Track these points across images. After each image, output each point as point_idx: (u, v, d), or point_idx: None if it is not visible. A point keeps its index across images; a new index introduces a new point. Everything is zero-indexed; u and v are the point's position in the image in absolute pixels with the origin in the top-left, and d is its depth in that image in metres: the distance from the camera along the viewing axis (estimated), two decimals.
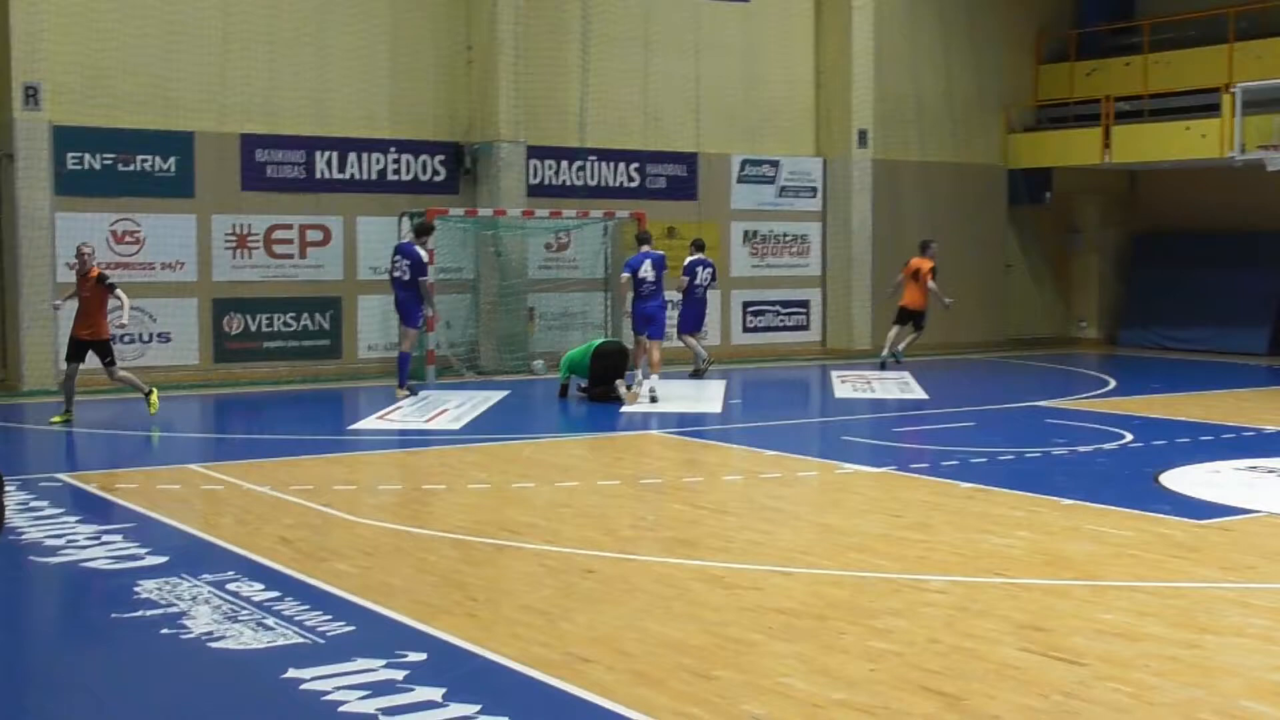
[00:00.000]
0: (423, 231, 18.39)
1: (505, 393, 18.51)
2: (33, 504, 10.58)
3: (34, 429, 15.59)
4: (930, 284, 21.74)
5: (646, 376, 17.47)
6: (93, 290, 15.37)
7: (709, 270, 20.62)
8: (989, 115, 27.23)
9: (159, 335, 19.45)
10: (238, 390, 19.01)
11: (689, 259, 20.58)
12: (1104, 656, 6.77)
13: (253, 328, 20.19)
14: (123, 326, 16.49)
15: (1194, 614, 7.57)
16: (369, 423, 15.94)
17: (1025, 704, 6.10)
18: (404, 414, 16.39)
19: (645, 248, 18.47)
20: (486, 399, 17.66)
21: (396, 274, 17.79)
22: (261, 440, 15.07)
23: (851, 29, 24.85)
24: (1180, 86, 25.07)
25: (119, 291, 15.58)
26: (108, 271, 16.25)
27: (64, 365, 15.97)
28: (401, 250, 17.92)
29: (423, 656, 6.73)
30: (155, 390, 16.02)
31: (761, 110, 24.70)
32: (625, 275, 18.14)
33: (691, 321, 20.79)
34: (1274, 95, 22.62)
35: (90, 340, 15.46)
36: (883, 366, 21.84)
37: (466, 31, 21.70)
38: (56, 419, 15.36)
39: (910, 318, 22.10)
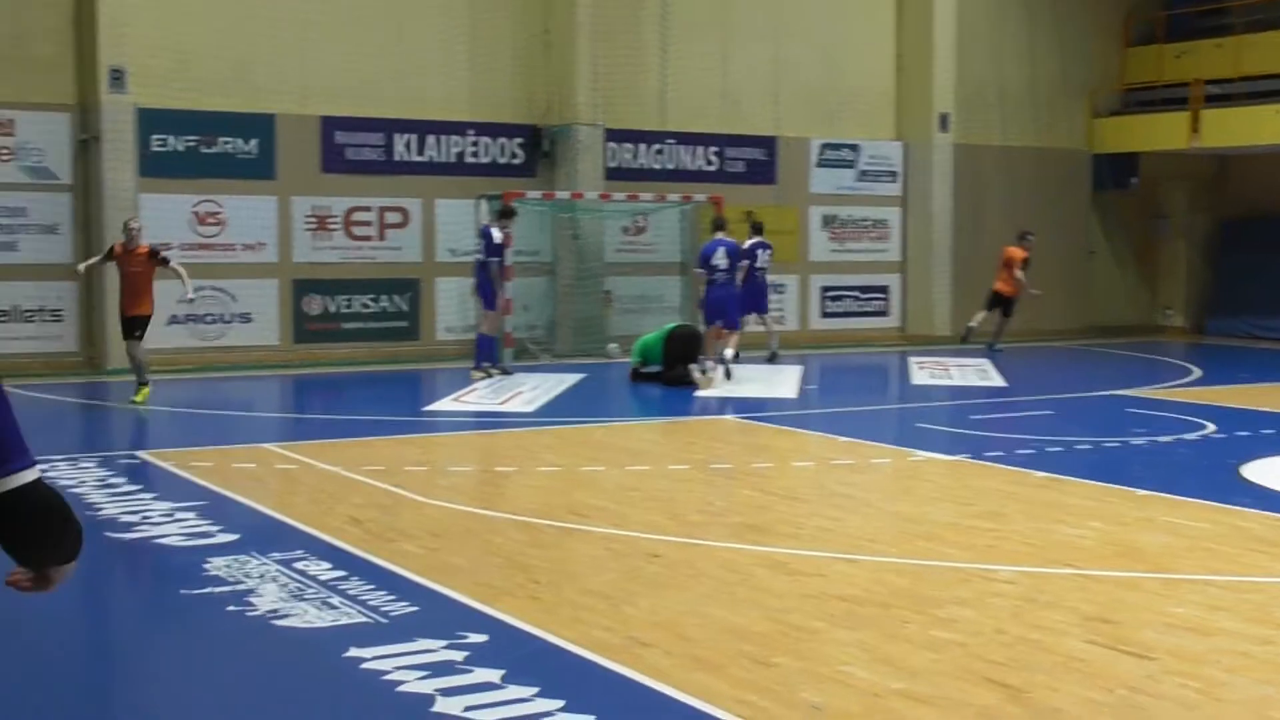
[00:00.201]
0: (503, 215, 18.48)
1: (580, 376, 18.54)
2: (110, 480, 10.74)
3: (117, 407, 15.82)
4: (1018, 274, 21.94)
5: (722, 362, 17.41)
6: (144, 266, 15.19)
7: (768, 253, 20.38)
8: (1073, 99, 26.84)
9: (240, 316, 19.67)
10: (316, 371, 19.20)
11: (748, 242, 19.83)
12: (1173, 651, 6.64)
13: (332, 309, 20.36)
14: (190, 301, 16.49)
15: (1270, 609, 7.42)
16: (444, 404, 16.03)
17: (1089, 697, 6.00)
18: (479, 396, 16.46)
19: (720, 234, 18.37)
20: (561, 382, 17.69)
21: (477, 256, 18.04)
22: (337, 421, 15.20)
23: (934, 11, 24.59)
24: (1272, 69, 24.55)
25: (175, 264, 15.49)
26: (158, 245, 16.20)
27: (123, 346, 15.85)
28: (481, 232, 18.18)
29: (484, 638, 6.74)
30: (149, 388, 15.48)
31: (841, 94, 24.51)
32: (699, 270, 18.02)
33: (750, 306, 19.84)
34: None
35: (138, 315, 15.36)
36: (963, 340, 22.33)
37: (545, 15, 21.73)
38: (137, 397, 15.29)
39: (1000, 304, 22.37)
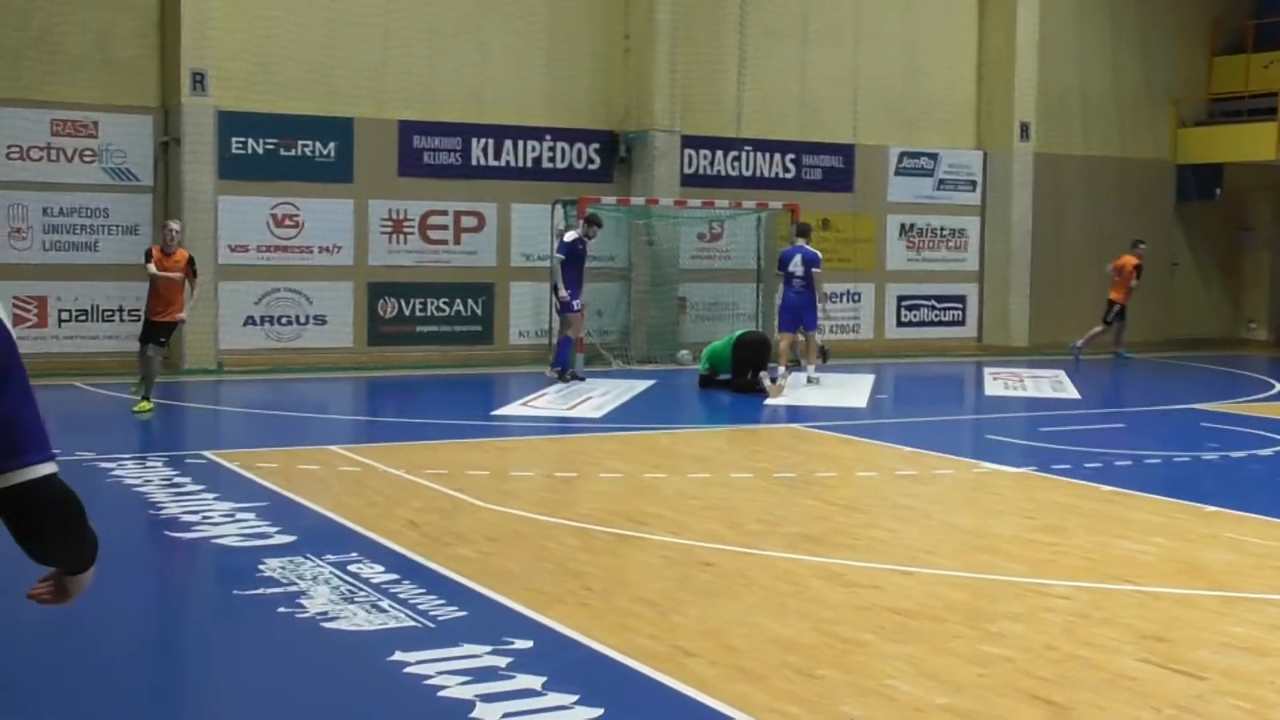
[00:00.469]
0: (589, 222, 18.47)
1: (651, 382, 18.54)
2: (176, 480, 10.88)
3: (192, 406, 16.06)
4: (1132, 283, 22.76)
5: (802, 369, 17.79)
6: (183, 271, 14.79)
7: (804, 259, 18.19)
8: (1157, 108, 26.48)
9: (315, 318, 19.87)
10: (389, 374, 19.34)
11: (785, 248, 18.96)
12: (1227, 671, 6.52)
13: (406, 312, 20.51)
14: (182, 320, 15.22)
15: None
16: (512, 409, 16.09)
17: (1136, 716, 5.90)
18: (548, 401, 16.52)
19: (800, 240, 18.34)
20: (631, 388, 17.70)
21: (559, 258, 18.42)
22: (404, 424, 15.31)
23: (1016, 20, 24.35)
24: None
25: (197, 280, 15.15)
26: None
27: (145, 350, 14.85)
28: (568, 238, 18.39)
29: (529, 644, 6.75)
30: (150, 402, 14.73)
31: (921, 102, 24.35)
32: (778, 273, 18.38)
33: (786, 319, 18.49)
34: None
35: (168, 322, 14.84)
36: (1076, 358, 22.57)
37: (624, 21, 21.77)
38: (141, 409, 14.52)
39: (1117, 312, 22.97)
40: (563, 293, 18.06)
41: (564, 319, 18.39)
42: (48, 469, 2.92)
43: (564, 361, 18.24)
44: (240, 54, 19.27)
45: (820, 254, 18.60)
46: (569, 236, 18.27)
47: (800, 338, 18.49)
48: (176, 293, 14.79)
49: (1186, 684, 6.35)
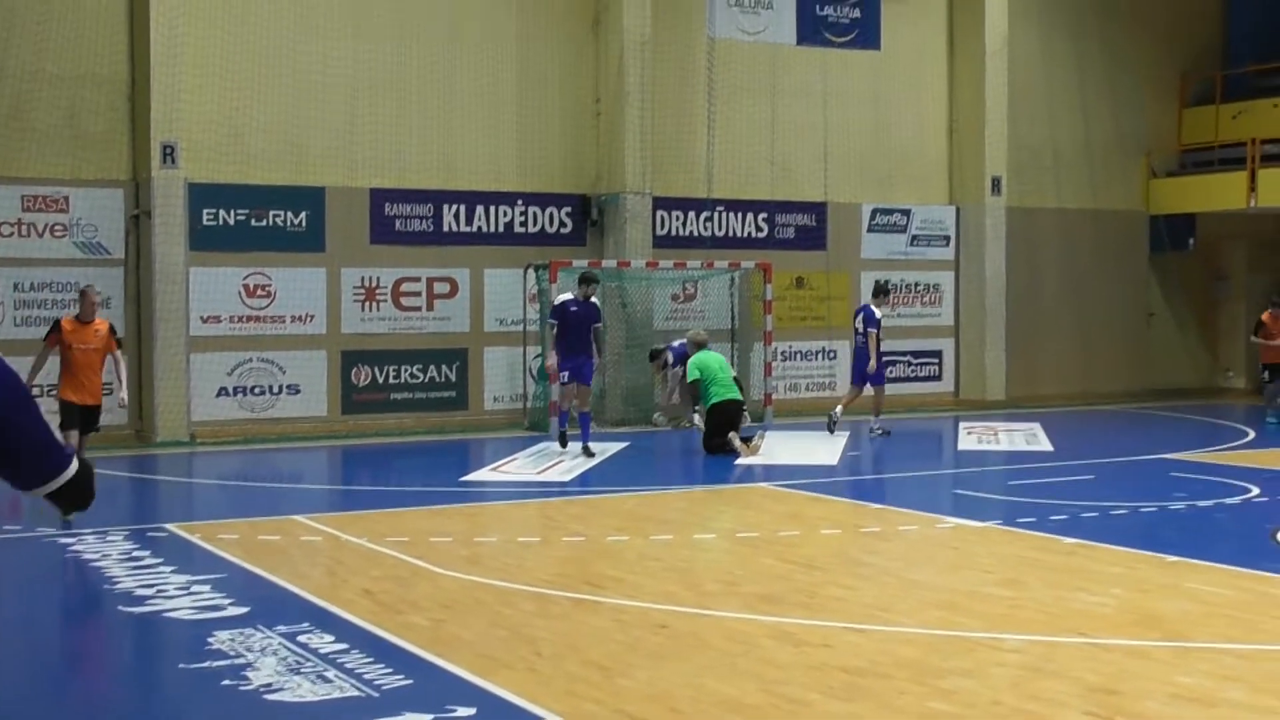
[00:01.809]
0: (581, 281, 17.69)
1: (624, 444, 18.51)
2: (135, 553, 10.82)
3: (161, 479, 16.00)
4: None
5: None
6: (104, 344, 12.92)
7: (864, 318, 19.72)
8: (1129, 160, 26.64)
9: (288, 387, 19.84)
10: (363, 442, 19.30)
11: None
12: None
13: (380, 379, 20.49)
14: (123, 403, 13.75)
15: None
16: (483, 474, 16.07)
17: None
18: (518, 465, 16.50)
19: (874, 300, 19.82)
20: (604, 451, 17.65)
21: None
22: (371, 492, 15.28)
23: (985, 75, 24.51)
24: None
25: (120, 353, 13.36)
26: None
27: (68, 437, 12.65)
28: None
29: (472, 711, 6.71)
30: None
31: (892, 158, 24.48)
32: (873, 330, 19.44)
33: (853, 371, 20.51)
34: None
35: (93, 406, 12.90)
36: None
37: (594, 84, 21.91)
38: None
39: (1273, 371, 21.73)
40: (548, 360, 17.43)
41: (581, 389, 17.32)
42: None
43: (584, 435, 17.21)
44: (210, 125, 19.35)
45: (880, 317, 19.72)
46: (558, 300, 17.67)
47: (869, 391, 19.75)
48: (96, 369, 12.84)
49: None
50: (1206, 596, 9.16)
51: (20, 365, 15.80)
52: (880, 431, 19.55)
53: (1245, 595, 9.19)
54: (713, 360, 17.71)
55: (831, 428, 19.50)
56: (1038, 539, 11.32)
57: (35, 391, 16.53)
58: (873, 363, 19.35)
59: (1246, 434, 19.71)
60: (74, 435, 12.65)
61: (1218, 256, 27.49)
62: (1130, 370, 26.31)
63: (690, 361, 17.88)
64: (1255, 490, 13.84)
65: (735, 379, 18.02)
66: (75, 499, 4.06)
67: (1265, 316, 21.57)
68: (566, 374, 16.96)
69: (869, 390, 19.75)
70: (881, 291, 20.39)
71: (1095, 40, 26.15)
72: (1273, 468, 15.69)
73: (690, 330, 19.37)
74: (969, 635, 8.21)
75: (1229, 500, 13.31)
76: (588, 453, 16.83)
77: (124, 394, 13.38)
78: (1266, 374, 21.59)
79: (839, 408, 19.61)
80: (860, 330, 19.66)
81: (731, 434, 17.05)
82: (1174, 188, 26.66)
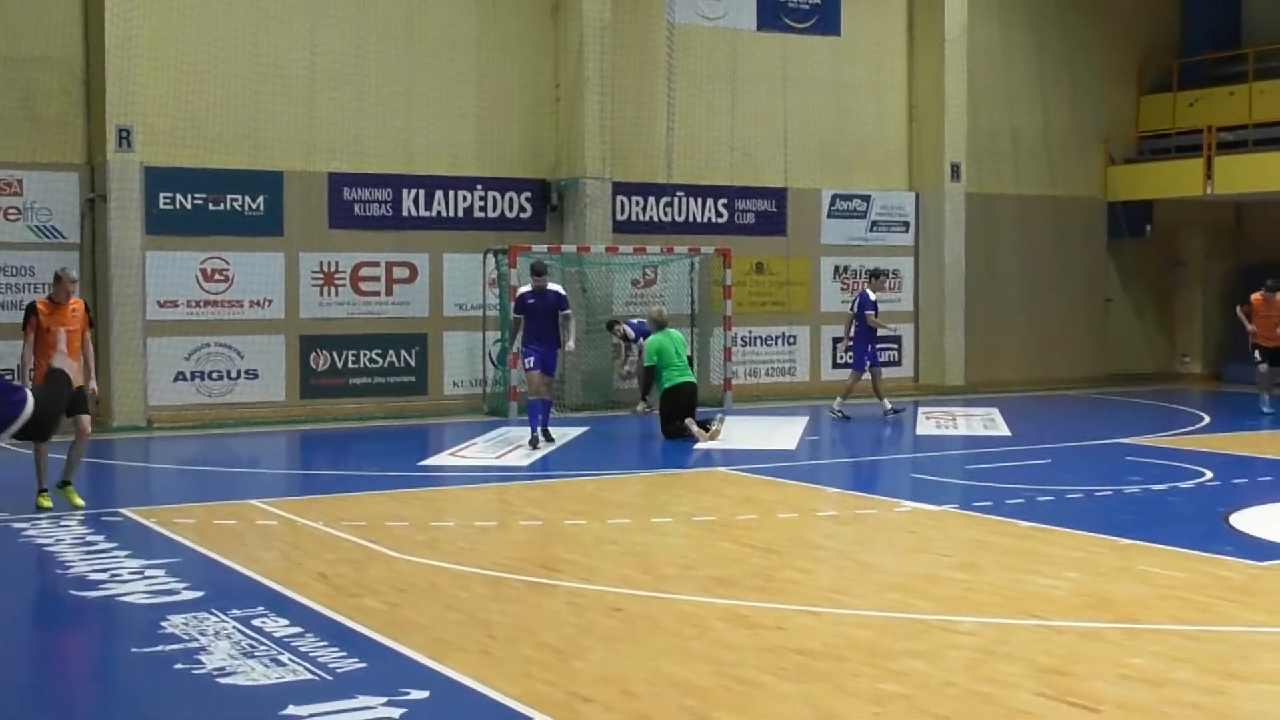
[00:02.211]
0: (531, 273, 17.24)
1: (583, 429, 18.49)
2: (89, 538, 10.76)
3: (118, 464, 15.90)
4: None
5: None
6: (81, 324, 12.52)
7: (859, 301, 20.45)
8: (1088, 147, 26.77)
9: (246, 372, 19.74)
10: (321, 426, 19.21)
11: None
12: (1122, 702, 6.54)
13: (339, 364, 20.41)
14: (94, 394, 13.02)
15: (1228, 659, 7.29)
16: (441, 459, 16.04)
17: None
18: (477, 450, 16.47)
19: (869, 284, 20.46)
20: (563, 435, 17.63)
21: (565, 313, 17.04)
22: (328, 476, 15.21)
23: (944, 62, 24.58)
24: None
25: (90, 335, 12.85)
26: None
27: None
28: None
29: (425, 694, 6.70)
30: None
31: (852, 144, 24.52)
32: (870, 312, 20.08)
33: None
34: None
35: (80, 390, 12.20)
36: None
37: (554, 69, 21.85)
38: (47, 502, 12.07)
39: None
40: (512, 350, 17.24)
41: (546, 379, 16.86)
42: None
43: (545, 419, 16.76)
44: (166, 109, 19.20)
45: (876, 300, 20.31)
46: (519, 292, 17.27)
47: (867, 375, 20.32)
48: (75, 351, 12.43)
49: (1082, 716, 6.37)
50: (1159, 579, 9.23)
51: None
52: (839, 414, 19.79)
53: (1197, 578, 9.26)
54: (669, 343, 17.65)
55: (839, 415, 19.87)
56: (994, 523, 11.39)
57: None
58: (845, 341, 20.57)
59: (1201, 419, 19.87)
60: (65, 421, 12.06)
61: (1175, 243, 27.67)
62: (1088, 356, 26.47)
63: (648, 343, 17.86)
64: (1209, 474, 13.95)
65: (689, 358, 18.02)
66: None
67: (1256, 298, 20.61)
68: (530, 361, 16.49)
69: (868, 375, 20.45)
70: (874, 276, 21.01)
71: (1054, 28, 26.26)
72: (1226, 452, 15.82)
73: (652, 308, 19.19)
74: (923, 618, 8.24)
75: (1183, 484, 13.41)
76: (547, 438, 16.63)
77: (93, 384, 12.77)
78: (1258, 354, 20.46)
79: (887, 401, 20.10)
80: (856, 314, 20.21)
81: (688, 420, 17.04)
82: (1132, 175, 26.81)
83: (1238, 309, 20.88)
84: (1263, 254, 26.85)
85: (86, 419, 12.38)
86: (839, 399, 20.11)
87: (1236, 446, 16.38)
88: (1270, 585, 9.09)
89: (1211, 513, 11.80)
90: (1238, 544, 10.40)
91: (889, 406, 20.02)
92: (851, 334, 20.39)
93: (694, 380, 17.64)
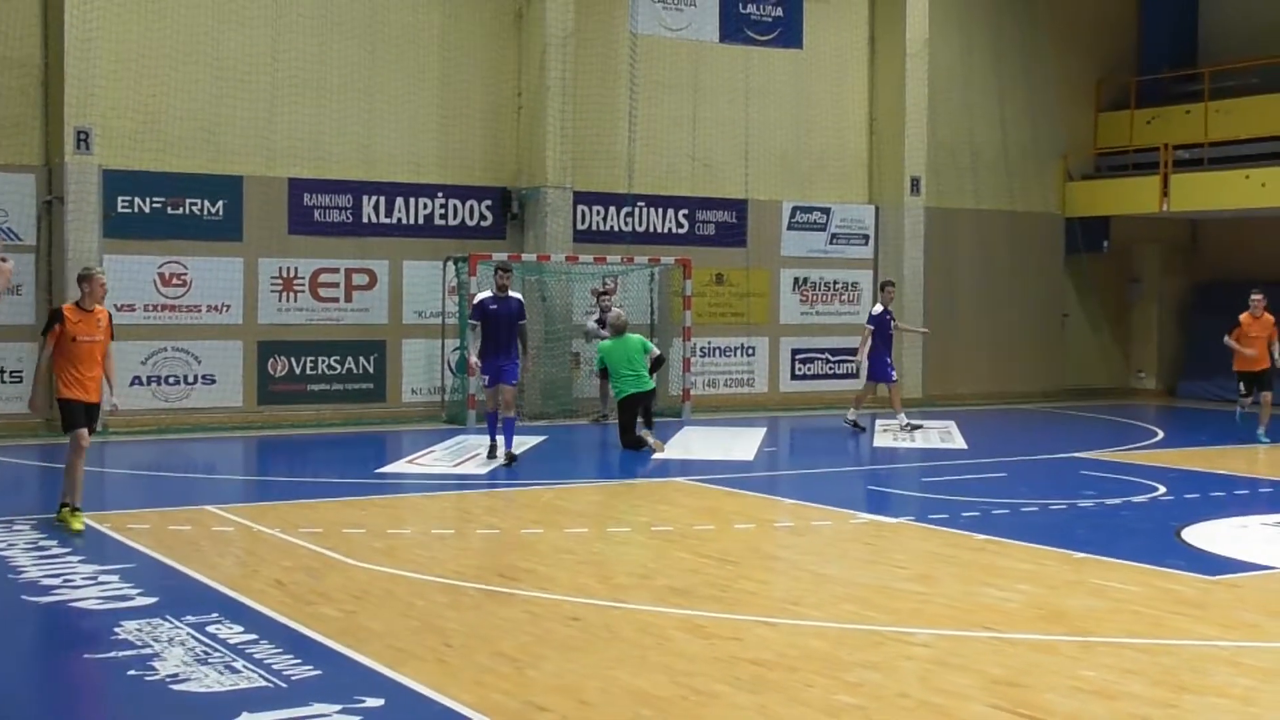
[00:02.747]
0: (494, 271, 16.62)
1: (542, 438, 18.48)
2: (42, 543, 10.68)
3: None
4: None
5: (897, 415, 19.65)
6: (106, 334, 11.62)
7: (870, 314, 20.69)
8: (1046, 163, 26.97)
9: (204, 377, 19.62)
10: (279, 433, 19.13)
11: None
12: (1074, 714, 6.59)
13: (297, 370, 20.32)
14: (115, 408, 12.50)
15: (1179, 673, 7.36)
16: (398, 466, 16.00)
17: None
18: (434, 458, 16.43)
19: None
20: (521, 444, 17.56)
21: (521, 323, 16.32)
22: (285, 483, 15.16)
23: (906, 76, 24.72)
24: (1241, 135, 24.75)
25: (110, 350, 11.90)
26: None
27: (78, 438, 11.52)
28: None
29: (380, 703, 6.69)
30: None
31: (813, 157, 24.62)
32: (870, 327, 19.99)
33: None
34: None
35: (96, 404, 11.70)
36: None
37: (516, 78, 21.85)
38: (75, 522, 11.26)
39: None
40: (471, 358, 16.28)
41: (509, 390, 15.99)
42: None
43: (508, 440, 15.86)
44: (125, 111, 19.09)
45: (876, 312, 20.31)
46: (477, 298, 16.36)
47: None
48: (98, 362, 11.57)
49: None
50: (1112, 592, 9.30)
51: None
52: (854, 424, 19.97)
53: (1149, 591, 9.35)
54: (619, 351, 17.60)
55: (855, 426, 19.98)
56: (949, 535, 11.45)
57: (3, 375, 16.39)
58: (860, 356, 20.43)
59: (1155, 434, 20.04)
60: (85, 434, 11.45)
61: (1131, 259, 27.91)
62: (1044, 370, 26.64)
63: (598, 349, 17.92)
64: (1162, 489, 14.07)
65: (658, 357, 17.97)
66: None
67: (1245, 318, 18.95)
68: (487, 378, 15.75)
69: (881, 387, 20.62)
70: (883, 287, 20.98)
71: (1014, 44, 26.44)
72: (1179, 467, 15.96)
73: (610, 312, 19.12)
74: (878, 629, 8.29)
75: (1136, 498, 13.52)
76: (510, 459, 15.59)
77: (115, 398, 12.13)
78: (1242, 386, 18.89)
79: (902, 416, 19.93)
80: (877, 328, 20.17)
81: (644, 431, 17.06)
82: (1089, 191, 27.03)
83: (1227, 338, 18.83)
84: (1217, 271, 27.15)
85: (84, 434, 11.55)
86: (852, 409, 20.20)
87: (1189, 462, 16.53)
88: (1221, 599, 9.17)
89: (1164, 527, 11.90)
90: (1190, 558, 10.50)
91: (905, 420, 19.86)
92: (868, 348, 20.18)
93: (648, 388, 17.55)
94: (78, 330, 11.34)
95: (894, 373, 20.28)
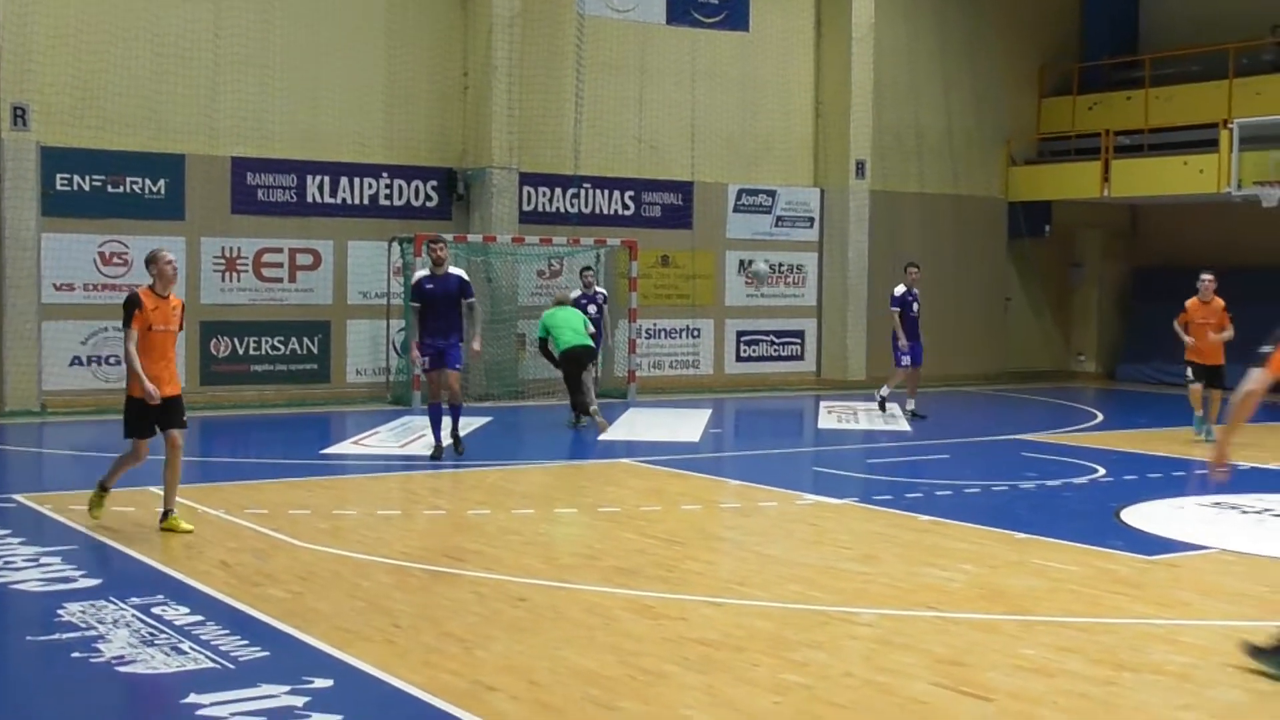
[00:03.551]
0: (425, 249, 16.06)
1: (487, 419, 18.47)
2: None
3: (9, 449, 15.63)
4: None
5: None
6: (179, 323, 10.76)
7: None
8: (990, 148, 27.17)
9: None
10: (222, 414, 19.00)
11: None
12: (1014, 692, 6.68)
13: (240, 351, 20.20)
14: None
15: (1117, 650, 7.47)
16: (343, 447, 15.95)
17: None
18: (380, 439, 16.39)
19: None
20: (467, 425, 17.52)
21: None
22: (229, 464, 15.06)
23: (851, 60, 24.82)
24: (1180, 121, 25.02)
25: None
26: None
27: (138, 448, 10.74)
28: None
29: (329, 683, 6.68)
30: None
31: (759, 140, 24.69)
32: (895, 309, 19.45)
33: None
34: (1271, 132, 22.53)
35: (176, 396, 10.64)
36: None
37: (462, 58, 21.77)
38: (185, 525, 10.43)
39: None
40: (412, 349, 15.02)
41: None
42: None
43: (454, 428, 14.76)
44: (64, 87, 18.88)
45: (899, 293, 19.66)
46: (415, 276, 15.35)
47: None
48: (173, 353, 10.78)
49: (974, 706, 6.50)
50: (1052, 572, 9.42)
51: None
52: (913, 413, 19.25)
53: (1088, 571, 9.47)
54: (563, 315, 17.72)
55: (882, 406, 19.68)
56: (893, 516, 11.56)
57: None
58: (902, 341, 19.42)
59: (1095, 416, 20.27)
60: (145, 446, 10.61)
61: (1073, 244, 28.20)
62: (987, 353, 26.88)
63: (543, 318, 17.96)
64: (1101, 471, 14.24)
65: (592, 335, 18.04)
66: None
67: (1192, 303, 17.33)
68: (427, 360, 14.57)
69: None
70: (905, 270, 20.09)
71: (959, 30, 26.61)
72: (1118, 449, 16.16)
73: (558, 293, 19.21)
74: (823, 609, 8.36)
75: (1076, 480, 13.68)
76: (457, 449, 14.75)
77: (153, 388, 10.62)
78: (1190, 372, 17.28)
79: (886, 388, 19.70)
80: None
81: (595, 407, 17.10)
82: (1032, 176, 27.26)
83: (1175, 323, 17.46)
84: (1156, 256, 27.45)
85: (179, 434, 10.57)
86: (911, 401, 19.45)
87: (1128, 444, 16.73)
88: (1158, 579, 9.31)
89: (1103, 508, 12.05)
90: (1128, 538, 10.65)
91: (912, 407, 19.44)
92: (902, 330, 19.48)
93: (591, 345, 17.66)
94: (154, 319, 10.45)
95: (905, 359, 19.33)
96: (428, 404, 15.34)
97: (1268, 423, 19.65)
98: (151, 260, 10.77)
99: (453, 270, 14.93)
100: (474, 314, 14.92)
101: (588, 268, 20.48)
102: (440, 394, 14.63)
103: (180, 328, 10.76)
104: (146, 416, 10.49)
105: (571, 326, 17.53)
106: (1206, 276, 17.44)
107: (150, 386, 10.28)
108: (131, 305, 10.48)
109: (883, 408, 19.58)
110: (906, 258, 25.54)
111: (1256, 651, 7.06)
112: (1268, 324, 24.06)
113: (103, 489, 10.82)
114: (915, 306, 19.59)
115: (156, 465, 10.78)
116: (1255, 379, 7.15)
